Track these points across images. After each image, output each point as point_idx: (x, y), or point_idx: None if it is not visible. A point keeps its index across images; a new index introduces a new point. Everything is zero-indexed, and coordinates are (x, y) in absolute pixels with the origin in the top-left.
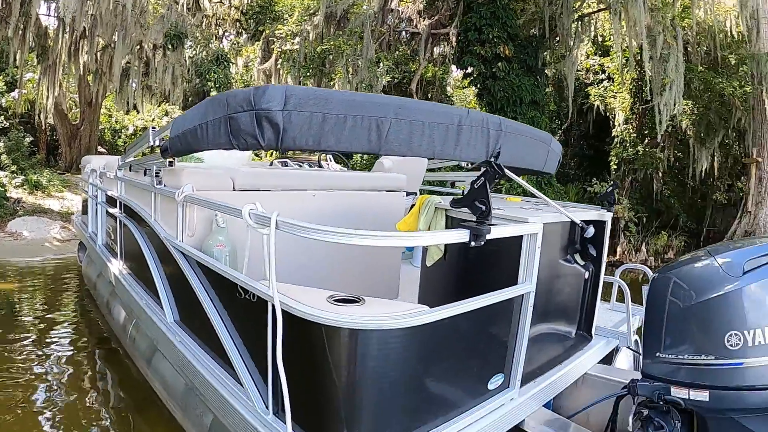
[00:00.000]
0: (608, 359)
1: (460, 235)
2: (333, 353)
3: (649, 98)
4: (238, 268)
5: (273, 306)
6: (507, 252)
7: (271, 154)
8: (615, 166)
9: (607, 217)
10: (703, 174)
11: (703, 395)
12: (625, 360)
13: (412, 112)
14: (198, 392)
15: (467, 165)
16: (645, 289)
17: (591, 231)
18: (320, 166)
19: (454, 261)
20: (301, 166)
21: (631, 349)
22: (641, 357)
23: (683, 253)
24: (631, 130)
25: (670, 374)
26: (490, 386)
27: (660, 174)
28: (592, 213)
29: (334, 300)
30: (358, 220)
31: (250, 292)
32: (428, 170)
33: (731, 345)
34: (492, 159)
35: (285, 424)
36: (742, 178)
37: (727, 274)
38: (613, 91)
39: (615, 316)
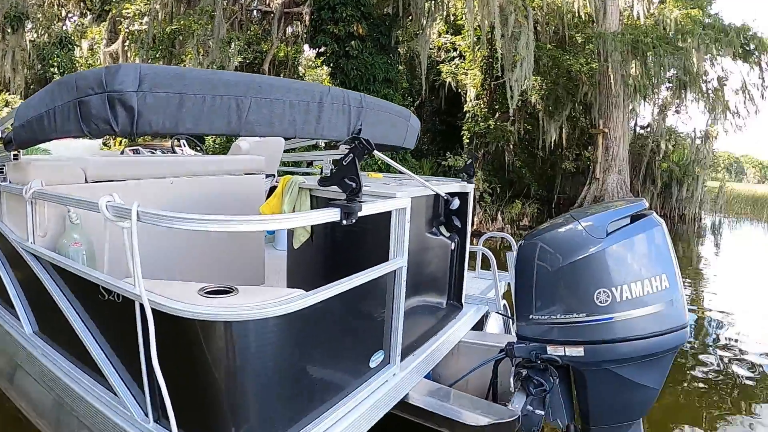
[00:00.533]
0: (479, 325)
1: (331, 215)
2: (211, 349)
3: (499, 74)
4: (98, 267)
5: (141, 305)
6: (376, 228)
7: (121, 142)
8: (467, 141)
9: (469, 188)
10: (552, 145)
11: (578, 351)
12: (495, 325)
13: (272, 90)
14: (69, 407)
15: (323, 144)
16: (510, 255)
17: (456, 203)
18: (174, 152)
19: (321, 242)
20: (153, 153)
21: (500, 313)
22: (513, 320)
23: (537, 220)
24: (482, 106)
25: (545, 334)
26: (372, 364)
27: (511, 146)
28: (455, 185)
29: (206, 292)
30: (220, 205)
31: (114, 293)
32: (285, 151)
33: (600, 302)
34: (355, 135)
35: (169, 430)
36: (589, 147)
37: (592, 236)
38: (464, 68)
39: (481, 284)
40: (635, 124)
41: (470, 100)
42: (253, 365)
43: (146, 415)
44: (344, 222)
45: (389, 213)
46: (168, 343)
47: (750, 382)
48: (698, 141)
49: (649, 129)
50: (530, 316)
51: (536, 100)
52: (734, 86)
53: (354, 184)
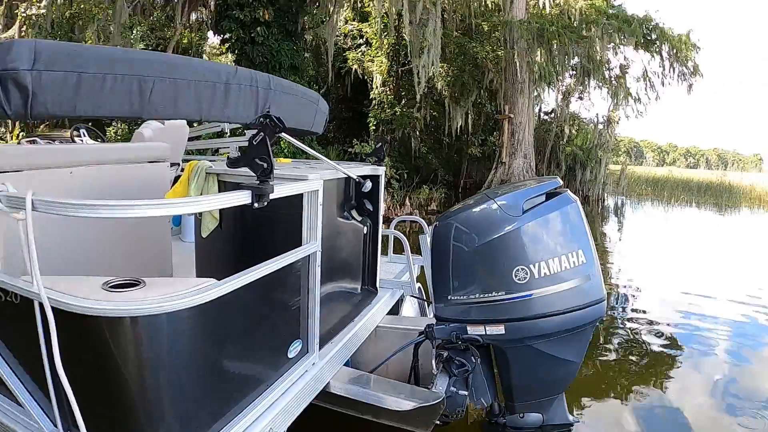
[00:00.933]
0: (395, 310)
1: (242, 197)
2: (119, 348)
3: (405, 61)
4: None
5: (41, 304)
6: (287, 213)
7: (19, 135)
8: (374, 127)
9: (381, 171)
10: (458, 131)
11: (499, 329)
12: (411, 309)
13: (177, 69)
14: None
15: (229, 131)
16: (422, 238)
17: (369, 185)
18: (73, 141)
19: (231, 229)
20: (52, 144)
21: (415, 297)
22: (429, 303)
23: (445, 205)
24: (388, 93)
25: (464, 314)
26: (290, 354)
27: (417, 133)
28: (366, 168)
29: (110, 286)
30: (123, 194)
31: (11, 292)
32: (189, 139)
33: (519, 279)
34: (265, 114)
35: None
36: (495, 133)
37: (508, 214)
38: (371, 56)
39: (394, 268)
40: (539, 110)
41: (376, 87)
42: (165, 363)
43: (55, 425)
44: (255, 205)
45: (301, 196)
46: (72, 344)
47: (659, 350)
48: (601, 126)
49: (553, 114)
50: (448, 297)
51: (442, 86)
52: (636, 74)
53: (266, 165)
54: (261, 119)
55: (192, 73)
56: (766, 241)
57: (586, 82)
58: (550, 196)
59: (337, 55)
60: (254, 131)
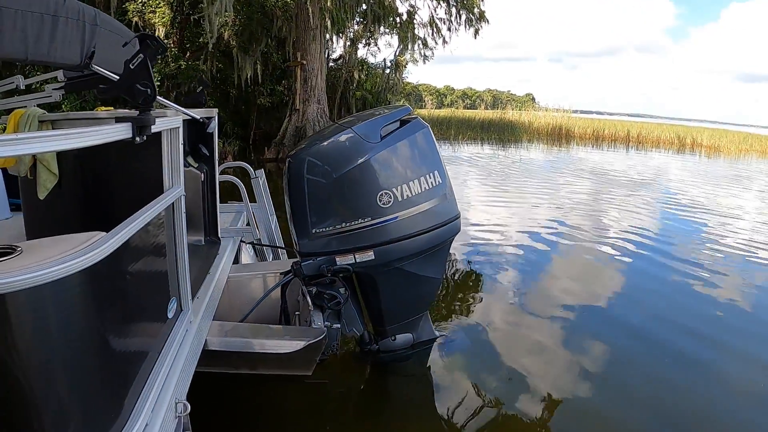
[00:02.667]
0: (235, 259)
1: (120, 131)
2: (7, 334)
3: (190, 11)
4: None
5: None
6: (138, 158)
7: None
8: (158, 83)
9: (214, 112)
10: (247, 82)
11: (368, 255)
12: (247, 256)
13: None
14: None
15: (23, 86)
16: (254, 182)
17: (214, 125)
18: None
19: (71, 186)
20: None
21: (248, 242)
22: (295, 239)
23: (238, 157)
24: (172, 45)
25: (331, 246)
26: (170, 315)
27: (198, 86)
28: (200, 111)
29: None
30: None
31: None
32: None
33: (383, 204)
34: (144, 33)
35: None
36: (283, 81)
37: (367, 141)
38: (152, 6)
39: (226, 217)
40: (328, 57)
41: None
42: (59, 343)
43: None
44: (137, 139)
45: (156, 137)
46: None
47: (482, 269)
48: (388, 71)
49: (341, 61)
50: (313, 231)
51: (230, 36)
52: (424, 20)
53: (149, 91)
54: (140, 38)
55: None
56: (554, 169)
57: (376, 28)
58: (403, 123)
59: (116, 8)
60: (131, 54)
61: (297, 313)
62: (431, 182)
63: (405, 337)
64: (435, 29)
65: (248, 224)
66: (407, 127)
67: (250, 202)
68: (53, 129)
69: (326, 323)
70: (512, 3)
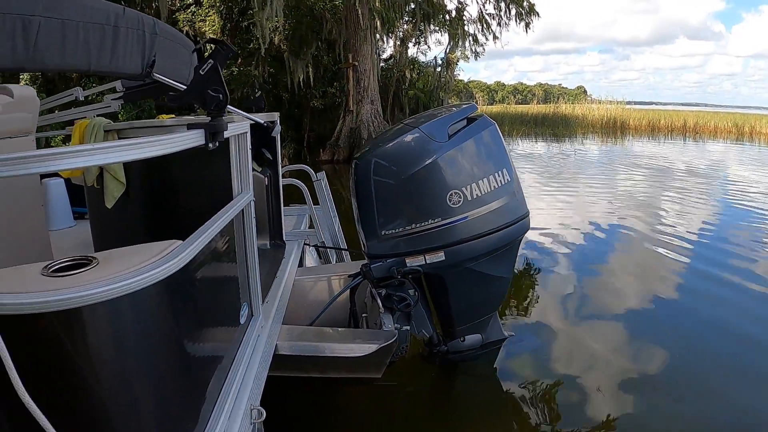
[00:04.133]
0: (300, 262)
1: (194, 138)
2: (86, 347)
3: (239, 18)
4: None
5: None
6: (206, 164)
7: None
8: None
9: (276, 116)
10: (300, 85)
11: (439, 256)
12: (311, 259)
13: (64, 5)
14: None
15: (83, 97)
16: (317, 185)
17: (277, 128)
18: None
19: (139, 195)
20: None
21: (312, 245)
22: (364, 242)
23: (294, 160)
24: None
25: (401, 247)
26: (242, 320)
27: (256, 90)
28: (261, 115)
29: (52, 271)
30: None
31: None
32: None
33: (453, 203)
34: (214, 38)
35: None
36: (335, 84)
37: (435, 141)
38: (202, 15)
39: (289, 220)
40: (379, 57)
41: None
42: (137, 353)
43: None
44: (210, 146)
45: (224, 143)
46: (28, 360)
47: (545, 267)
48: (439, 68)
49: (391, 60)
50: (382, 233)
51: (280, 40)
52: (473, 16)
53: (221, 96)
54: (210, 44)
55: (79, 10)
56: (611, 163)
57: (425, 26)
58: (470, 121)
59: (168, 19)
60: (203, 60)
61: (364, 315)
62: (500, 180)
63: (474, 337)
64: (485, 25)
65: (311, 227)
66: (474, 125)
67: (313, 204)
68: (119, 138)
69: (396, 325)
70: None
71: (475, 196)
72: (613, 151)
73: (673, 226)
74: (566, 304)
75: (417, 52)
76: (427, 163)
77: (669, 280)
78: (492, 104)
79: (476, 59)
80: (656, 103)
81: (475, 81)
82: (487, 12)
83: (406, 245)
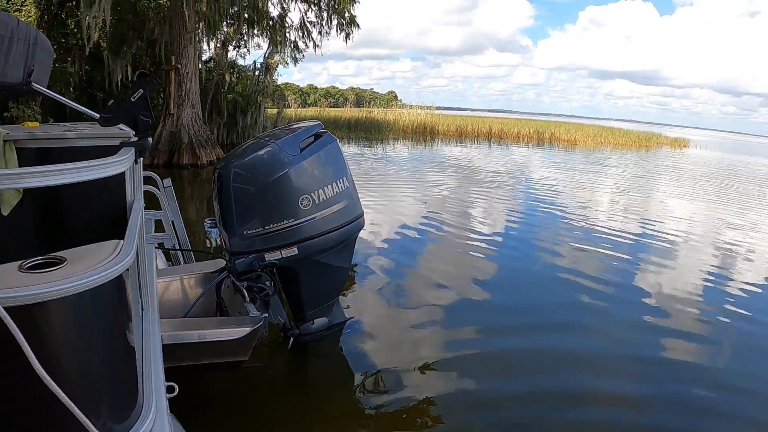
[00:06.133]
0: None
1: (128, 158)
2: (56, 335)
3: (58, 11)
4: None
5: None
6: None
7: None
8: None
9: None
10: (118, 85)
11: (293, 250)
12: (160, 261)
13: None
14: None
15: None
16: (164, 191)
17: (150, 141)
18: None
19: (32, 203)
20: None
21: (164, 248)
22: (226, 240)
23: None
24: None
25: (260, 244)
26: (140, 312)
27: (72, 89)
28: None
29: (28, 267)
30: None
31: None
32: None
33: (304, 206)
34: (143, 72)
35: None
36: None
37: (289, 153)
38: (17, 4)
39: None
40: (200, 60)
41: None
42: (94, 343)
43: None
44: (136, 163)
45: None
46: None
47: (369, 259)
48: (258, 73)
49: (211, 63)
50: (244, 232)
51: (100, 37)
52: (295, 23)
53: (150, 120)
54: (140, 75)
55: None
56: (421, 166)
57: (248, 31)
58: (317, 136)
59: None
60: (134, 89)
61: (224, 308)
62: (341, 186)
63: (321, 320)
64: (306, 32)
65: (157, 231)
66: (320, 140)
67: (159, 209)
68: (17, 148)
69: (257, 312)
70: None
71: (321, 200)
72: (422, 155)
73: (480, 221)
74: (390, 290)
75: (236, 56)
76: (282, 172)
77: (478, 269)
78: (304, 107)
79: (295, 65)
80: (463, 109)
81: (287, 83)
82: (309, 20)
83: (265, 242)
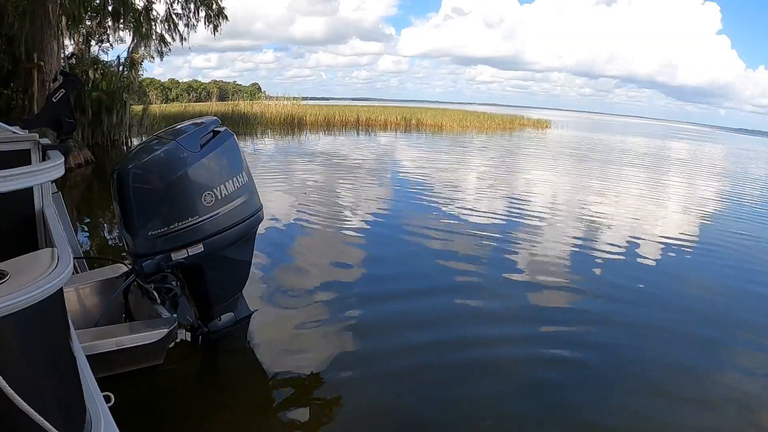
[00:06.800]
0: None
1: (60, 163)
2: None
3: None
4: None
5: None
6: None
7: None
8: None
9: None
10: None
11: (198, 248)
12: None
13: None
14: None
15: None
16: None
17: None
18: None
19: None
20: None
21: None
22: (130, 242)
23: None
24: None
25: (166, 244)
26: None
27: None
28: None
29: None
30: None
31: None
32: None
33: (207, 203)
34: (64, 71)
35: None
36: (10, 84)
37: (190, 151)
38: None
39: None
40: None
41: None
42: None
43: None
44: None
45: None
46: None
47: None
48: (122, 69)
49: (74, 59)
50: (149, 233)
51: None
52: (161, 15)
53: (73, 122)
54: (62, 75)
55: None
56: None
57: (113, 24)
58: (215, 133)
59: None
60: (55, 90)
61: (131, 313)
62: (241, 181)
63: (228, 316)
64: (172, 25)
65: None
66: (219, 137)
67: None
68: None
69: (167, 314)
70: None
71: (224, 195)
72: (292, 147)
73: (352, 210)
74: (281, 279)
75: (99, 51)
76: (184, 170)
77: (350, 252)
78: (167, 103)
79: (161, 59)
80: (328, 99)
81: (148, 79)
82: (175, 12)
83: (171, 242)
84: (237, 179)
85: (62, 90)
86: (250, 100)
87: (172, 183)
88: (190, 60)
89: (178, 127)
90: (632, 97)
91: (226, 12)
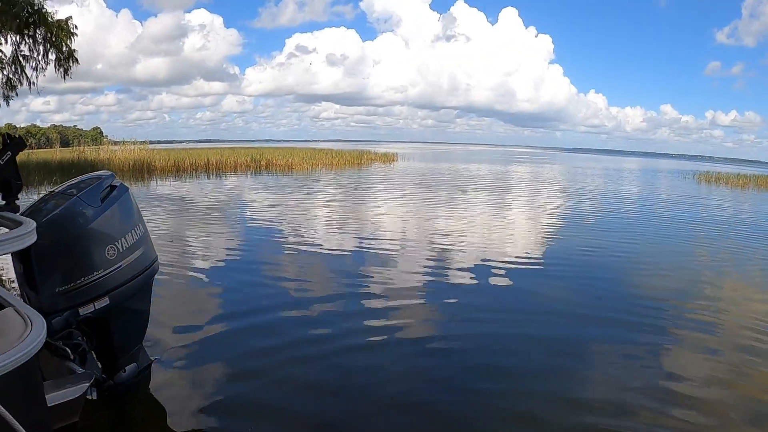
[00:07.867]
0: None
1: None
2: None
3: None
4: None
5: None
6: None
7: None
8: None
9: None
10: None
11: (105, 300)
12: None
13: None
14: None
15: None
16: None
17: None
18: None
19: None
20: None
21: None
22: (39, 301)
23: None
24: None
25: (74, 299)
26: None
27: None
28: None
29: None
30: None
31: None
32: None
33: (111, 256)
34: (9, 133)
35: None
36: None
37: (91, 206)
38: None
39: None
40: None
41: None
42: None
43: None
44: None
45: None
46: None
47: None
48: None
49: None
50: (56, 290)
51: None
52: (7, 57)
53: (20, 183)
54: (6, 138)
55: None
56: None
57: None
58: (113, 187)
59: None
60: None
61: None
62: (138, 233)
63: (131, 367)
64: (19, 67)
65: None
66: (117, 191)
67: None
68: None
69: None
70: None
71: (125, 248)
72: (142, 193)
73: (202, 255)
74: (164, 323)
75: None
76: (88, 225)
77: (207, 301)
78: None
79: (8, 104)
80: (173, 141)
81: None
82: (23, 53)
83: (78, 297)
84: (135, 231)
85: (8, 152)
86: (93, 145)
87: (77, 238)
88: (28, 103)
89: (76, 182)
90: (473, 125)
91: (77, 55)
